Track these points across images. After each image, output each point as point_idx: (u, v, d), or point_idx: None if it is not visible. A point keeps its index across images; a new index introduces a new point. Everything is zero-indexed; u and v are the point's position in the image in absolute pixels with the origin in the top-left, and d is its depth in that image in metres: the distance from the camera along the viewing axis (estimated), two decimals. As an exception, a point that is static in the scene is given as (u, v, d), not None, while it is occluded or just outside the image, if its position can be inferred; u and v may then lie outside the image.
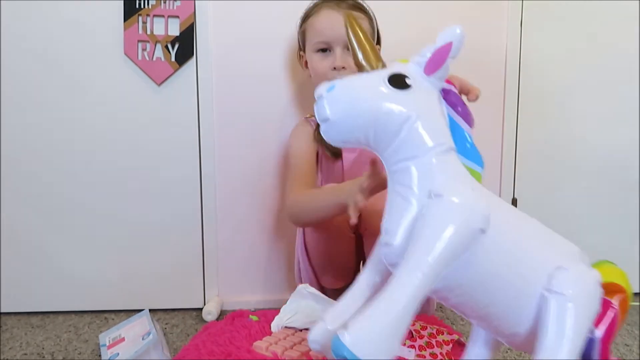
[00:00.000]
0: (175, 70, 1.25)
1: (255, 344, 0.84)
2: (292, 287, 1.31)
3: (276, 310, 0.98)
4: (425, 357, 0.84)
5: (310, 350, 0.82)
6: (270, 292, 1.37)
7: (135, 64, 1.24)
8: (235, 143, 1.32)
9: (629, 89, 1.39)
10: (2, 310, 1.30)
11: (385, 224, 0.56)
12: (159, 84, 1.26)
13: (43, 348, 1.12)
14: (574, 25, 1.36)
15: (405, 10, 1.29)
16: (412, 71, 0.58)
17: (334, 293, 1.16)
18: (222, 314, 1.31)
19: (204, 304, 1.34)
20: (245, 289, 1.37)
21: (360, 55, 0.61)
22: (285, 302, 0.97)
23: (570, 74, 1.38)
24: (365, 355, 0.45)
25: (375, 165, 0.78)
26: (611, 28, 1.36)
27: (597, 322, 0.56)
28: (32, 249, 1.29)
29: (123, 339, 1.05)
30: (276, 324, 0.93)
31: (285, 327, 0.92)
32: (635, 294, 1.44)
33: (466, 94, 0.70)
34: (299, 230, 1.14)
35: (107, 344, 1.05)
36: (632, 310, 1.32)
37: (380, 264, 0.60)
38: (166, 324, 1.25)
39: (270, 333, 0.91)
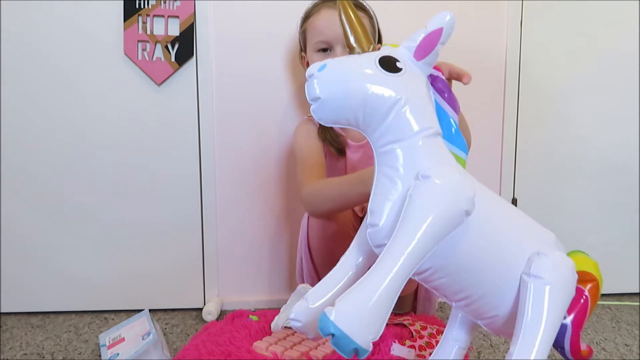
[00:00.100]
0: (175, 70, 1.25)
1: (255, 344, 0.84)
2: (292, 287, 1.32)
3: (276, 310, 0.98)
4: (425, 357, 0.84)
5: (310, 350, 0.82)
6: (270, 292, 1.37)
7: (135, 64, 1.24)
8: (235, 143, 1.32)
9: (629, 89, 1.39)
10: (2, 310, 1.30)
11: (371, 205, 0.56)
12: (159, 84, 1.26)
13: (43, 348, 1.12)
14: (574, 25, 1.36)
15: (406, 10, 1.29)
16: (403, 55, 0.59)
17: (334, 293, 1.16)
18: (222, 314, 1.31)
19: (204, 304, 1.34)
20: (245, 289, 1.37)
21: (351, 38, 0.62)
22: (285, 302, 0.97)
23: (570, 74, 1.38)
24: (351, 330, 0.45)
25: None
26: (611, 28, 1.36)
27: (570, 309, 0.58)
28: (32, 249, 1.29)
29: (123, 339, 1.05)
30: (276, 324, 0.93)
31: (285, 327, 0.92)
32: (635, 294, 1.44)
33: (458, 79, 0.70)
34: (302, 230, 1.14)
35: (107, 344, 1.05)
36: (632, 310, 1.32)
37: (365, 245, 0.61)
38: (166, 324, 1.25)
39: (270, 333, 0.91)
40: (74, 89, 1.25)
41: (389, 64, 0.56)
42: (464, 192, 0.51)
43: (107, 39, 1.23)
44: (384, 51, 0.58)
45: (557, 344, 0.58)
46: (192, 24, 1.24)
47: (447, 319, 1.24)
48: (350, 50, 0.62)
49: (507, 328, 0.59)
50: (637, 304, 1.36)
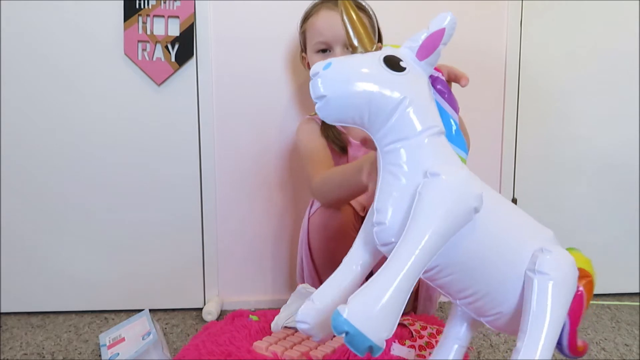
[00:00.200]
0: (175, 71, 1.25)
1: (255, 344, 0.84)
2: (292, 287, 1.32)
3: (276, 310, 0.98)
4: (425, 357, 0.84)
5: (310, 350, 0.82)
6: (270, 292, 1.37)
7: (135, 64, 1.24)
8: (235, 143, 1.32)
9: (629, 89, 1.39)
10: (2, 310, 1.30)
11: (377, 204, 0.56)
12: (159, 84, 1.26)
13: (43, 348, 1.12)
14: (574, 25, 1.36)
15: (406, 10, 1.29)
16: (405, 55, 0.59)
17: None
18: (222, 314, 1.31)
19: (204, 304, 1.34)
20: (245, 289, 1.37)
21: (354, 38, 0.61)
22: (285, 302, 0.97)
23: (570, 74, 1.38)
24: (365, 328, 0.45)
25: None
26: (611, 28, 1.36)
27: None
28: (32, 249, 1.29)
29: (123, 339, 1.05)
30: (276, 324, 0.93)
31: (285, 327, 0.92)
32: (635, 294, 1.44)
33: (456, 81, 0.70)
34: (302, 229, 1.14)
35: (107, 344, 1.05)
36: (632, 310, 1.32)
37: (369, 244, 0.61)
38: (166, 324, 1.25)
39: (270, 333, 0.91)
40: (74, 89, 1.25)
41: (393, 64, 0.56)
42: (473, 189, 0.52)
43: (107, 39, 1.23)
44: (387, 51, 0.58)
45: None
46: (192, 24, 1.24)
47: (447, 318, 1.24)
48: (353, 50, 0.62)
49: (511, 325, 0.59)
50: (637, 304, 1.36)
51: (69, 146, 1.27)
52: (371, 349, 0.46)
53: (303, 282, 1.13)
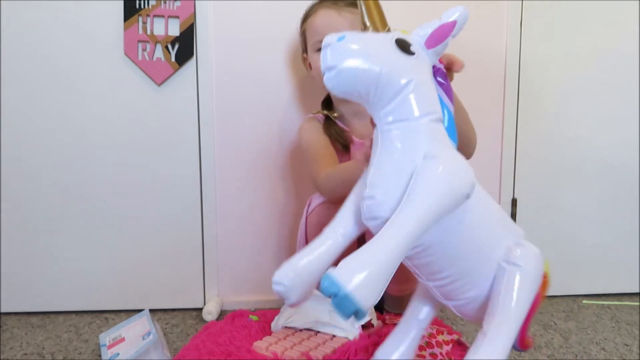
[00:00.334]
0: (175, 71, 1.25)
1: (255, 344, 0.84)
2: (292, 287, 1.32)
3: (276, 310, 0.98)
4: (425, 357, 0.84)
5: (310, 350, 0.82)
6: (270, 292, 1.34)
7: (135, 64, 1.24)
8: (235, 143, 1.32)
9: (629, 89, 1.39)
10: (2, 310, 1.30)
11: (372, 178, 0.58)
12: (159, 84, 1.26)
13: (43, 348, 1.12)
14: (574, 26, 1.36)
15: (406, 10, 1.29)
16: (414, 41, 0.60)
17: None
18: (222, 314, 1.31)
19: (204, 304, 1.34)
20: (245, 289, 1.37)
21: (366, 17, 0.63)
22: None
23: (570, 74, 1.38)
24: (355, 292, 0.46)
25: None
26: (611, 29, 1.36)
27: None
28: (32, 249, 1.29)
29: (123, 339, 1.05)
30: (276, 324, 0.93)
31: (285, 327, 0.92)
32: (635, 294, 1.44)
33: (450, 67, 0.71)
34: (300, 229, 1.14)
35: (107, 344, 1.05)
36: (632, 310, 1.32)
37: (354, 216, 0.62)
38: (166, 324, 1.25)
39: (270, 333, 0.91)
40: (74, 89, 1.25)
41: (404, 46, 0.57)
42: (467, 176, 0.54)
43: (107, 39, 1.23)
44: (398, 34, 0.60)
45: None
46: (192, 24, 1.24)
47: (447, 319, 1.24)
48: (364, 29, 0.63)
49: (477, 311, 0.62)
50: (637, 304, 1.36)
51: (69, 146, 1.27)
52: (357, 313, 0.47)
53: (303, 281, 1.12)
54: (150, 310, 1.18)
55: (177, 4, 1.23)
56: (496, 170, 1.39)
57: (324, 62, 0.55)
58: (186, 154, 1.30)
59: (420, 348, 0.86)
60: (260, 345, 0.83)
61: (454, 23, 0.60)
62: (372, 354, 0.76)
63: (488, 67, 1.35)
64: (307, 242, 1.11)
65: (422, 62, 0.59)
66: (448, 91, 0.64)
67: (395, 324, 0.93)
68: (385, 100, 0.56)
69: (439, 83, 0.64)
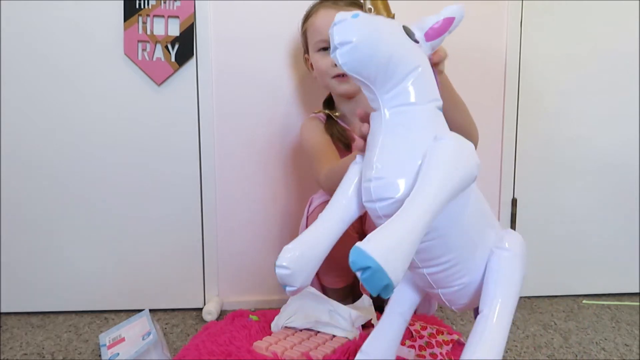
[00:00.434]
0: (175, 71, 1.25)
1: (255, 344, 0.84)
2: (292, 287, 1.32)
3: (276, 310, 0.98)
4: (425, 357, 0.84)
5: (310, 350, 0.82)
6: (270, 292, 1.37)
7: (135, 64, 1.24)
8: (235, 143, 1.32)
9: (629, 89, 1.39)
10: (2, 310, 1.30)
11: (378, 160, 0.58)
12: (159, 84, 1.26)
13: (43, 348, 1.12)
14: (574, 26, 1.36)
15: (406, 10, 1.28)
16: (416, 32, 0.62)
17: (335, 293, 1.16)
18: (222, 314, 1.31)
19: (204, 304, 1.34)
20: (245, 289, 1.37)
21: (368, 3, 0.66)
22: (285, 302, 0.97)
23: (570, 74, 1.38)
24: (386, 264, 0.46)
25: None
26: (611, 28, 1.36)
27: None
28: (32, 249, 1.29)
29: (123, 339, 1.05)
30: (276, 324, 0.93)
31: (285, 327, 0.92)
32: (635, 294, 1.44)
33: (437, 63, 0.71)
34: (301, 228, 1.15)
35: (107, 344, 1.05)
36: (632, 310, 1.32)
37: (353, 200, 0.62)
38: (166, 324, 1.25)
39: (270, 333, 0.92)
40: (74, 89, 1.25)
41: (410, 34, 0.60)
42: (476, 157, 0.55)
43: (107, 39, 1.23)
44: (402, 23, 0.62)
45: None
46: (192, 24, 1.24)
47: (447, 319, 1.24)
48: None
49: (467, 298, 0.64)
50: (637, 304, 1.36)
51: (69, 146, 1.27)
52: (387, 287, 0.47)
53: (303, 281, 1.12)
54: (150, 310, 1.18)
55: (177, 4, 1.23)
56: (496, 170, 1.39)
57: (339, 36, 0.55)
58: (186, 154, 1.30)
59: (420, 348, 0.86)
60: (260, 345, 0.83)
61: (452, 19, 0.62)
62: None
63: (488, 66, 1.35)
64: None
65: (424, 51, 0.61)
66: (438, 84, 0.65)
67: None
68: (393, 81, 0.57)
69: None
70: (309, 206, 1.14)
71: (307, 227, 1.10)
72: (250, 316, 0.99)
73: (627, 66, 1.38)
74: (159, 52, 1.24)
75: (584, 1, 1.35)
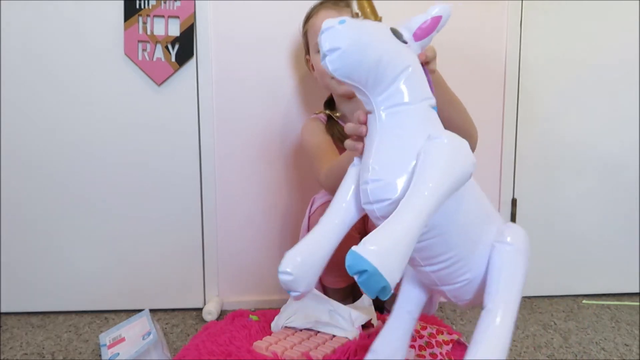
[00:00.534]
0: (176, 71, 1.25)
1: (255, 344, 0.84)
2: (292, 287, 1.32)
3: (276, 310, 0.98)
4: (425, 357, 0.84)
5: (310, 350, 0.82)
6: (270, 292, 1.37)
7: (136, 64, 1.24)
8: (235, 143, 1.32)
9: (629, 89, 1.39)
10: (2, 310, 1.30)
11: (374, 161, 0.58)
12: (159, 84, 1.26)
13: (43, 348, 1.12)
14: (574, 26, 1.36)
15: (406, 10, 1.29)
16: (404, 33, 0.62)
17: (335, 292, 1.16)
18: (222, 314, 1.31)
19: (204, 304, 1.34)
20: (245, 289, 1.37)
21: (355, 6, 0.66)
22: (285, 302, 0.97)
23: (570, 74, 1.38)
24: (382, 267, 0.46)
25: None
26: (611, 28, 1.36)
27: None
28: (32, 249, 1.29)
29: (123, 339, 1.05)
30: (276, 324, 0.93)
31: (285, 327, 0.92)
32: (635, 294, 1.44)
33: (428, 62, 0.71)
34: (303, 230, 1.14)
35: (107, 344, 1.05)
36: (632, 310, 1.32)
37: (352, 202, 0.63)
38: (166, 324, 1.25)
39: (270, 333, 0.91)
40: (74, 89, 1.25)
41: (398, 35, 0.60)
42: (471, 155, 0.55)
43: (107, 39, 1.24)
44: (390, 25, 0.62)
45: None
46: (192, 24, 1.24)
47: (447, 319, 1.24)
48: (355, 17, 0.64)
49: (472, 294, 0.64)
50: (637, 304, 1.36)
51: (69, 146, 1.27)
52: (384, 289, 0.47)
53: (303, 281, 1.12)
54: (150, 310, 1.18)
55: (177, 4, 1.23)
56: (496, 170, 1.39)
57: (328, 43, 0.55)
58: (186, 154, 1.30)
59: (420, 348, 0.86)
60: (260, 345, 0.83)
61: (439, 18, 0.62)
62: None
63: (488, 67, 1.35)
64: None
65: (414, 51, 0.61)
66: (430, 84, 0.65)
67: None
68: (385, 83, 0.57)
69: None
70: (311, 206, 1.14)
71: (309, 227, 1.11)
72: (250, 316, 0.99)
73: (627, 66, 1.38)
74: (159, 52, 1.24)
75: (584, 1, 1.35)
